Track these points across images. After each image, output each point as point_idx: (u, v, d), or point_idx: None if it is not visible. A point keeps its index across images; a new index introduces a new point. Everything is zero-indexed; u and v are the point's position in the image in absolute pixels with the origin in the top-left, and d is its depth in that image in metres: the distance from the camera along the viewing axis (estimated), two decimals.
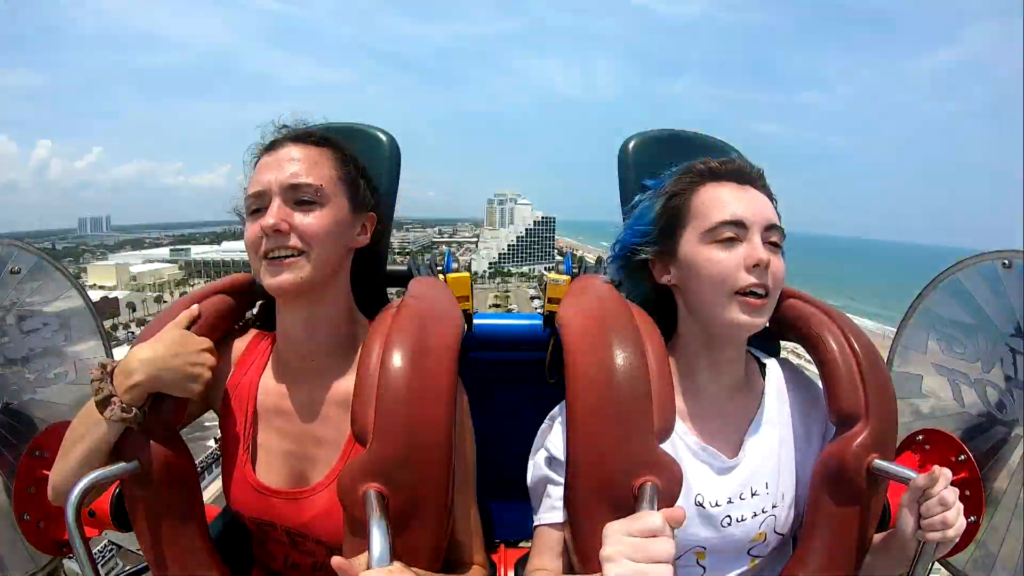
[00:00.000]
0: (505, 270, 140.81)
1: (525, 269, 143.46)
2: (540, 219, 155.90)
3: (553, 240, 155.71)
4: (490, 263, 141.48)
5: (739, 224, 0.89)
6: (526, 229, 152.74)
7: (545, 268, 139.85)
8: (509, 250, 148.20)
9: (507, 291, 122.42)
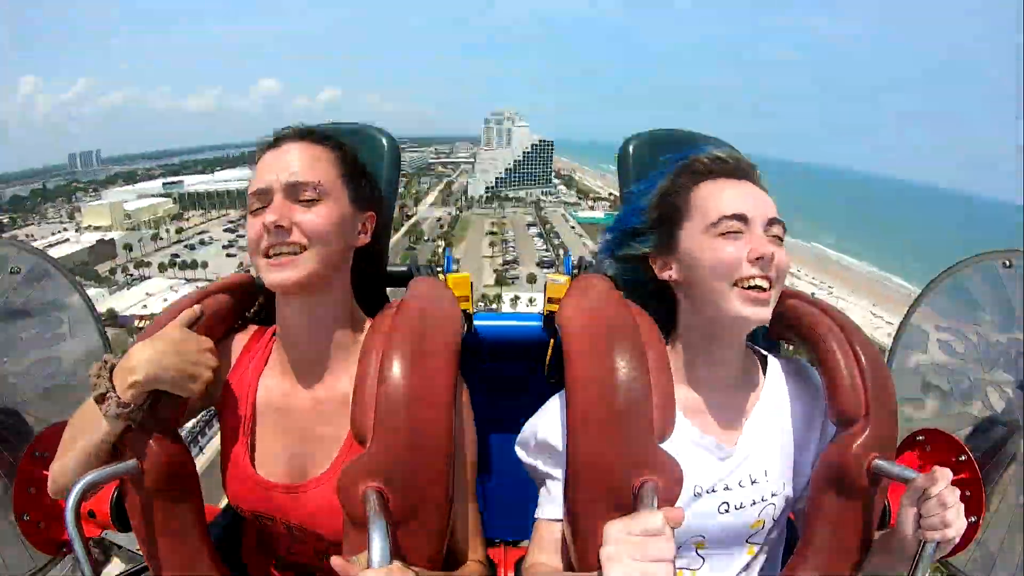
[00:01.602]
0: (503, 194, 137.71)
1: (522, 193, 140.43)
2: (538, 142, 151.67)
3: (551, 163, 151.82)
4: (487, 187, 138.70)
5: (741, 218, 0.89)
6: (523, 152, 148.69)
7: (542, 192, 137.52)
8: (506, 174, 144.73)
9: (504, 218, 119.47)
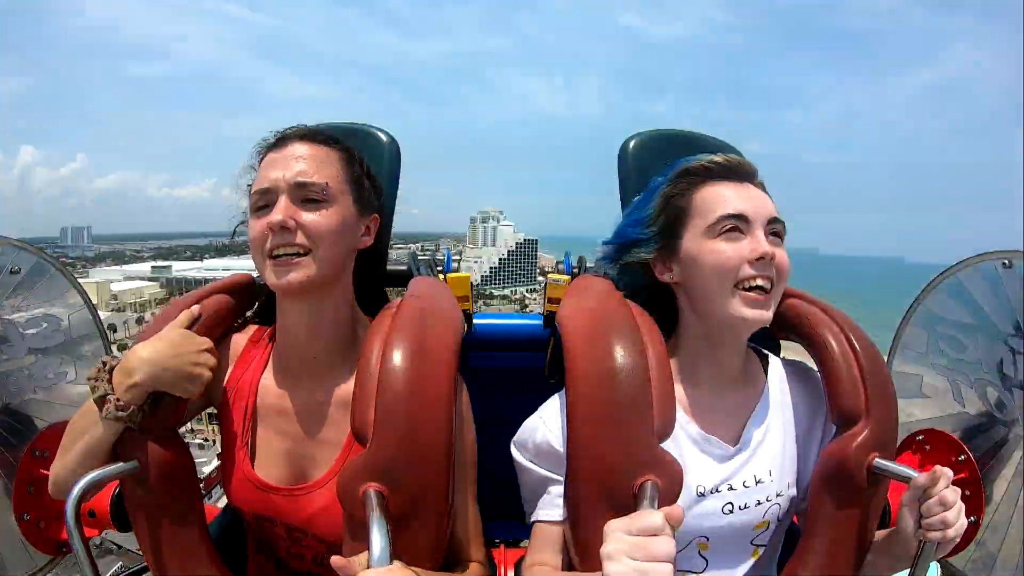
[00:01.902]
0: (487, 292, 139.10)
1: (507, 292, 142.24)
2: (523, 241, 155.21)
3: (535, 261, 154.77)
4: (473, 285, 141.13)
5: (742, 218, 0.89)
6: (508, 251, 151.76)
7: (528, 290, 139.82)
8: (491, 272, 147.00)
9: None
